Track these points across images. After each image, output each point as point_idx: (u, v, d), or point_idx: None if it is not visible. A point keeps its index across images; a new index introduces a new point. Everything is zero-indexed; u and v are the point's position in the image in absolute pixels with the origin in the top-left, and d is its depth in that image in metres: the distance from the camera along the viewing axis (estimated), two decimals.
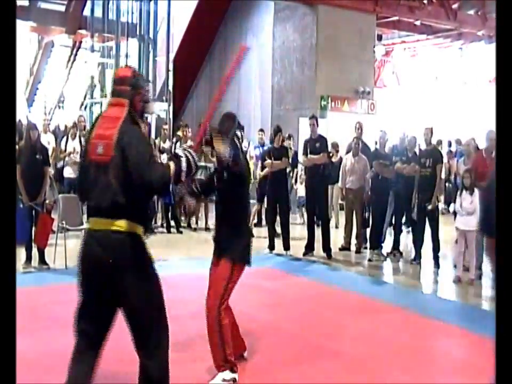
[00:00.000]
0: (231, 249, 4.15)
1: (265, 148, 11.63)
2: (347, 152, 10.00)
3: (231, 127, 4.14)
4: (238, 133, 4.24)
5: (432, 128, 8.79)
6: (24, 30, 17.86)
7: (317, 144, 8.80)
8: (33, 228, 7.43)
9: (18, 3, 16.28)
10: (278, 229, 9.11)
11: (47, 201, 7.55)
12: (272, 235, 9.03)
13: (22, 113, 16.96)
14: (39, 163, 7.47)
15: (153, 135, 13.19)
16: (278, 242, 8.96)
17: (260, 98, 16.39)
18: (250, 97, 16.88)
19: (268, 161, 8.89)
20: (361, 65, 14.89)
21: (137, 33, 17.73)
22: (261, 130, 12.17)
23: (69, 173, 10.00)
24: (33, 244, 7.42)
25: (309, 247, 8.91)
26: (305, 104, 14.44)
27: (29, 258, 7.53)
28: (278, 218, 9.08)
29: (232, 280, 4.13)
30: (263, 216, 11.70)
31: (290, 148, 11.13)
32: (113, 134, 3.02)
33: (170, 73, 17.72)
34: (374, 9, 14.98)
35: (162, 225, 10.95)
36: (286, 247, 8.86)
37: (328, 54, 14.35)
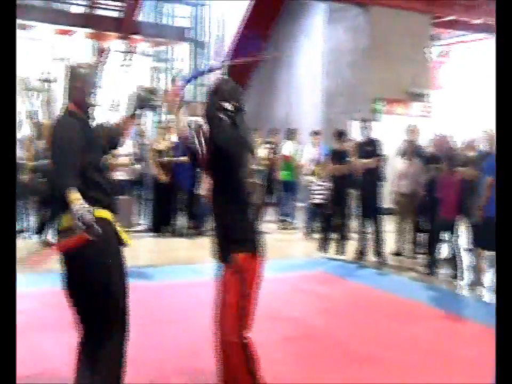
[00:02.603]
0: (235, 244, 3.17)
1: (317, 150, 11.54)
2: (399, 155, 9.77)
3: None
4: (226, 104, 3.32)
5: (491, 130, 8.49)
6: (80, 37, 18.32)
7: (369, 147, 8.66)
8: None
9: (72, 10, 16.78)
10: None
11: None
12: (325, 238, 8.94)
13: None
14: None
15: None
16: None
17: (311, 101, 16.26)
18: (301, 100, 16.78)
19: (330, 165, 8.85)
20: (415, 67, 14.57)
21: (190, 37, 17.95)
22: (316, 133, 11.84)
23: (120, 175, 10.17)
24: None
25: (361, 252, 8.77)
26: (356, 106, 14.23)
27: None
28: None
29: (245, 283, 3.06)
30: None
31: None
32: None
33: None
34: (428, 9, 14.65)
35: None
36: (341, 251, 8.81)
37: (381, 56, 14.10)
